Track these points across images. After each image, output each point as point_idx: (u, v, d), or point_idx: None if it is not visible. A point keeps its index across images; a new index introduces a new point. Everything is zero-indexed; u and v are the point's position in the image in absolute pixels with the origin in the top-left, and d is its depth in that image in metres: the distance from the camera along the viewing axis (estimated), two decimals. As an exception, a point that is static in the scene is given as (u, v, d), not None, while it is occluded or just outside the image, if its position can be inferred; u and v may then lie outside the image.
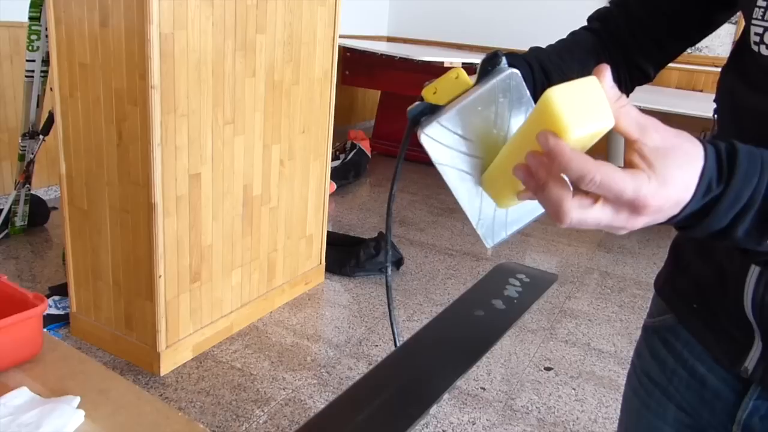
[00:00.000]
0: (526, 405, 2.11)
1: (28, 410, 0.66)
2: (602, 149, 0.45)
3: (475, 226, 0.59)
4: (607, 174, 0.42)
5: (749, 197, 0.45)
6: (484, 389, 2.17)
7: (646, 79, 0.77)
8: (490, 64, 0.55)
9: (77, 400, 0.68)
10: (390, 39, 6.59)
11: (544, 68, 0.69)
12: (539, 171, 0.46)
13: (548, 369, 2.34)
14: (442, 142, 0.56)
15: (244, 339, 2.35)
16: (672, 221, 0.47)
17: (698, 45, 5.19)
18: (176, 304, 2.08)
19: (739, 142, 0.46)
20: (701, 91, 5.02)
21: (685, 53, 0.78)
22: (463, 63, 4.32)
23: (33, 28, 2.57)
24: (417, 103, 0.57)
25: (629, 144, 0.45)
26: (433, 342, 0.64)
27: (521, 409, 2.08)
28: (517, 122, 0.56)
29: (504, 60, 0.55)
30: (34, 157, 2.89)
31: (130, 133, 1.88)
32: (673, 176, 0.44)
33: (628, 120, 0.45)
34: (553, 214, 0.46)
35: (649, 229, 4.07)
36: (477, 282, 0.77)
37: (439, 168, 0.56)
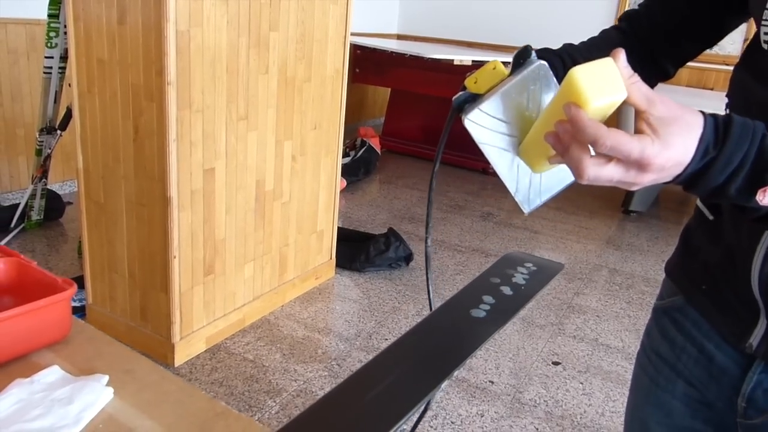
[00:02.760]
0: (534, 398, 2.13)
1: (61, 387, 0.69)
2: (613, 121, 0.53)
3: (513, 195, 0.69)
4: (617, 139, 0.51)
5: (740, 160, 0.52)
6: (492, 382, 2.20)
7: (665, 76, 0.83)
8: (521, 57, 0.64)
9: (106, 378, 0.72)
10: (400, 37, 6.62)
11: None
12: (564, 136, 0.55)
13: (556, 363, 2.36)
14: (483, 125, 0.64)
15: (256, 331, 2.39)
16: (676, 180, 0.54)
17: (709, 43, 5.19)
18: (190, 297, 2.12)
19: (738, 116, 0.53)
20: (712, 89, 5.01)
21: None
22: (473, 61, 4.34)
23: (52, 25, 2.62)
24: (460, 92, 0.66)
25: (638, 114, 0.53)
26: (442, 325, 0.67)
27: (529, 402, 2.11)
28: (545, 105, 0.64)
29: (533, 53, 0.64)
30: (51, 152, 2.94)
31: (146, 128, 1.92)
32: (674, 141, 0.51)
33: (638, 94, 0.53)
34: (574, 171, 0.55)
35: (658, 227, 4.08)
36: (485, 270, 0.79)
37: (481, 147, 0.65)
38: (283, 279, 2.60)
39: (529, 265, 0.82)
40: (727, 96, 0.73)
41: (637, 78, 0.53)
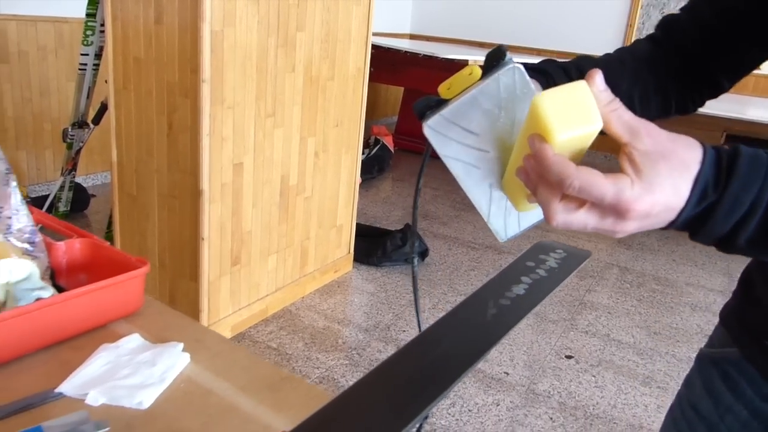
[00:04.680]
0: (548, 389, 2.21)
1: (142, 352, 0.78)
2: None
3: (486, 220, 0.60)
4: (586, 179, 0.43)
5: (750, 204, 0.43)
6: (507, 374, 2.27)
7: (719, 90, 0.72)
8: (494, 58, 0.55)
9: (181, 345, 0.80)
10: (413, 36, 6.69)
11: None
12: (531, 174, 0.47)
13: (569, 357, 2.44)
14: (446, 135, 0.56)
15: (278, 321, 2.48)
16: (671, 226, 0.46)
17: None
18: (218, 286, 2.20)
19: (748, 147, 0.44)
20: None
21: None
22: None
23: (89, 24, 2.71)
24: (423, 97, 0.58)
25: (621, 148, 0.45)
26: (490, 298, 0.75)
27: (543, 393, 2.18)
28: (522, 117, 0.57)
29: (508, 54, 0.55)
30: (83, 145, 3.04)
31: (180, 123, 2.01)
32: (660, 181, 0.43)
33: (618, 123, 0.44)
34: (544, 214, 0.48)
35: (669, 227, 4.13)
36: (519, 256, 0.87)
37: (445, 160, 0.58)
38: (303, 271, 2.68)
39: (560, 251, 0.90)
40: None
41: (618, 104, 0.45)
